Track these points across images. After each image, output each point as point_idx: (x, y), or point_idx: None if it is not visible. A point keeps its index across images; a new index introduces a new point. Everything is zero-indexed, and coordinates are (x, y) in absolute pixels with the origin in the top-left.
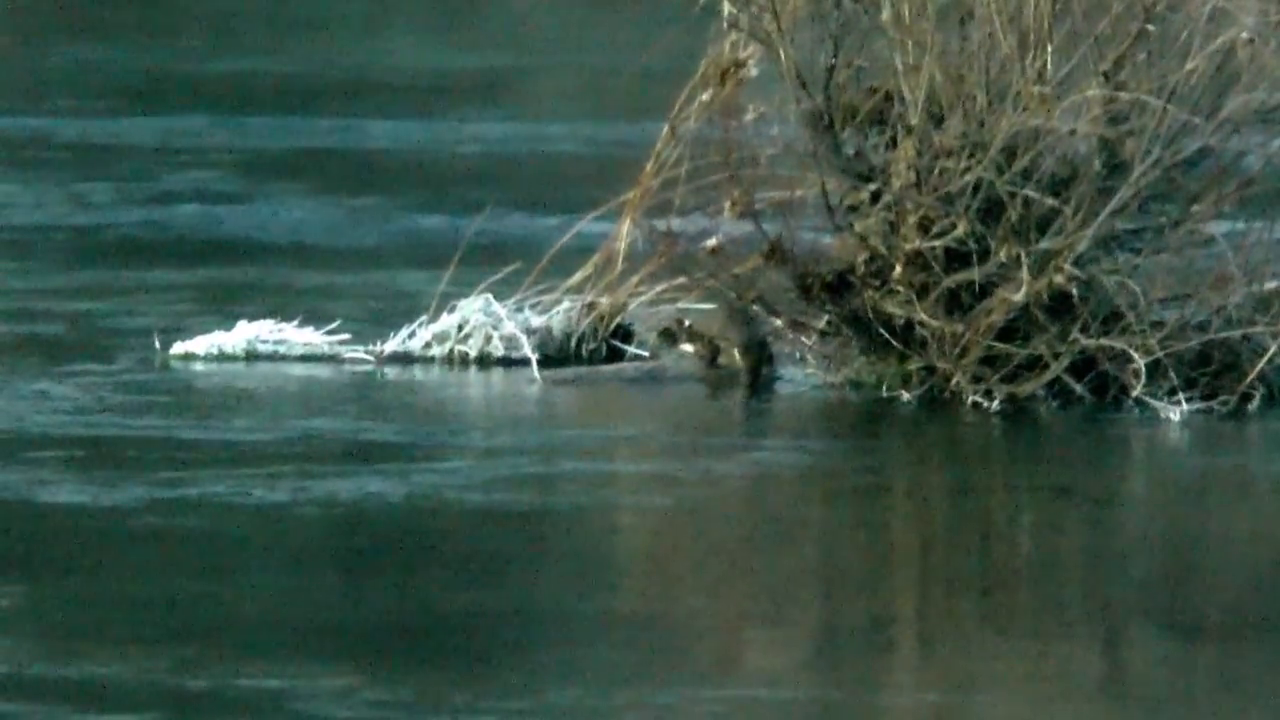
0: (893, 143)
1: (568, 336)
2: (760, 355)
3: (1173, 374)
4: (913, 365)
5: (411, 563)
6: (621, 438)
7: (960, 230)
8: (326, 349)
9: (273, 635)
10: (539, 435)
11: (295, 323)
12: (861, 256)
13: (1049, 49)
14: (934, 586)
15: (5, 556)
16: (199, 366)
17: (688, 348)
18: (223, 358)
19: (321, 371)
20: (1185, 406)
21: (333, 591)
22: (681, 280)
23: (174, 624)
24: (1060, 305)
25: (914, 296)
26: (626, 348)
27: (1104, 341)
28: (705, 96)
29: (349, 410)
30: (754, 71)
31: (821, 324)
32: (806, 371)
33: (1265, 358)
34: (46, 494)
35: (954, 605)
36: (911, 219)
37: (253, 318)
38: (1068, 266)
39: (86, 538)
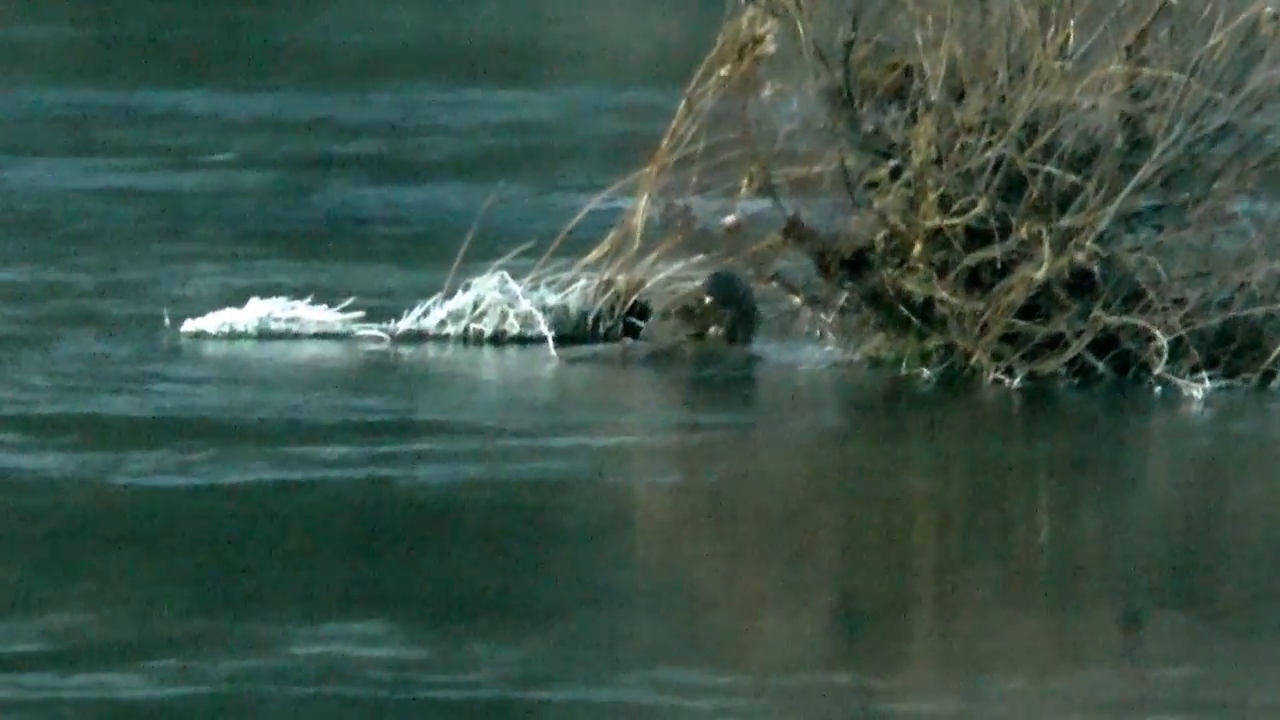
0: (913, 119)
1: (584, 314)
2: (734, 308)
3: (1194, 352)
4: (932, 343)
5: (423, 536)
6: (638, 415)
7: (981, 207)
8: (340, 327)
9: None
10: (556, 414)
11: (308, 300)
12: (881, 234)
13: (1070, 24)
14: (952, 566)
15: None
16: (210, 345)
17: (686, 326)
18: (234, 336)
19: (335, 350)
20: (1207, 384)
21: (361, 569)
22: (699, 258)
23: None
24: (1081, 283)
25: (934, 274)
26: (643, 325)
27: (1125, 319)
28: (723, 72)
29: (363, 389)
30: (772, 47)
31: (840, 302)
32: (825, 349)
33: None
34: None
35: (971, 584)
36: (931, 196)
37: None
38: (1089, 244)
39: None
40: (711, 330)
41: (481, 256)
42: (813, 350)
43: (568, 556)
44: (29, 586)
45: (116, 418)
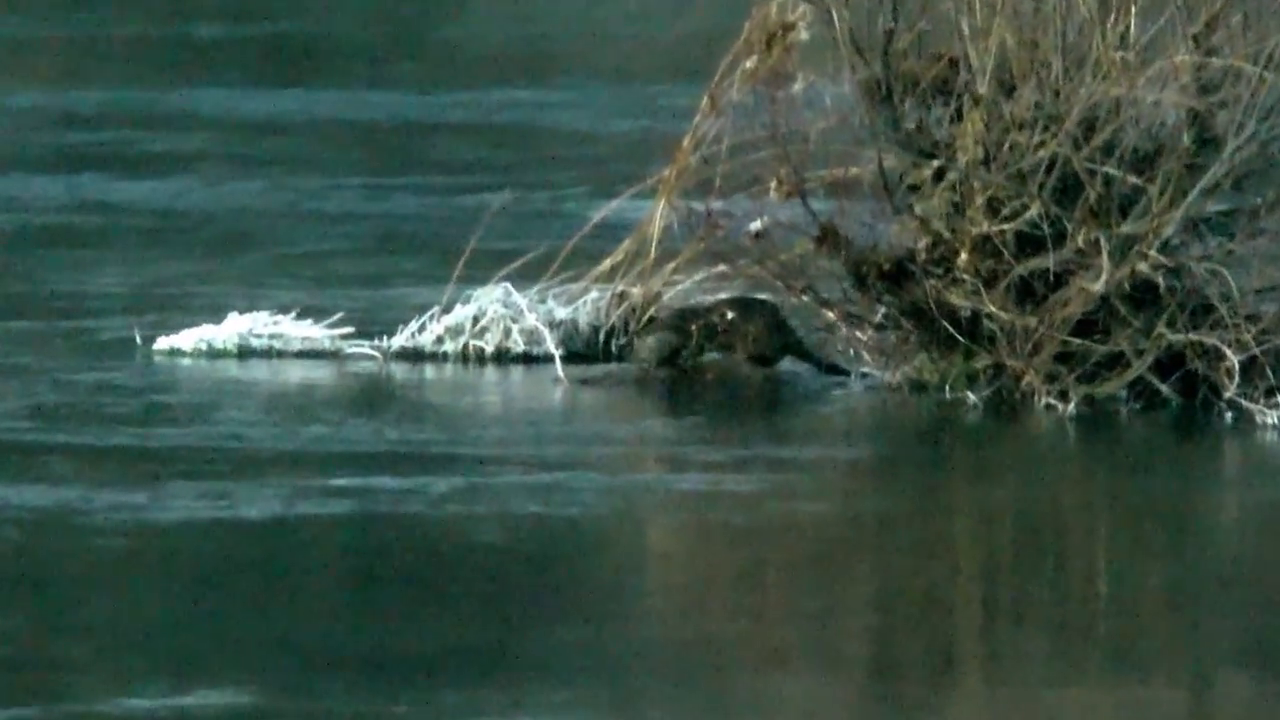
0: (958, 115)
1: (595, 330)
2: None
3: (1269, 372)
4: (979, 363)
5: (425, 584)
6: (653, 446)
7: (1033, 212)
8: (327, 344)
9: (281, 660)
10: (563, 442)
11: (292, 315)
12: (923, 241)
13: (1132, 10)
14: (1000, 618)
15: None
16: (186, 363)
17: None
18: (212, 354)
19: (321, 370)
20: None
21: (342, 615)
22: (722, 268)
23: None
24: (1144, 296)
25: (981, 286)
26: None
27: (1193, 336)
28: (749, 64)
29: (352, 414)
30: (804, 35)
31: (878, 317)
32: (861, 370)
33: None
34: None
35: (1022, 639)
36: (979, 200)
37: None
38: (1153, 253)
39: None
40: (738, 353)
41: (483, 266)
42: (847, 371)
43: (575, 604)
44: (164, 642)
45: (109, 448)
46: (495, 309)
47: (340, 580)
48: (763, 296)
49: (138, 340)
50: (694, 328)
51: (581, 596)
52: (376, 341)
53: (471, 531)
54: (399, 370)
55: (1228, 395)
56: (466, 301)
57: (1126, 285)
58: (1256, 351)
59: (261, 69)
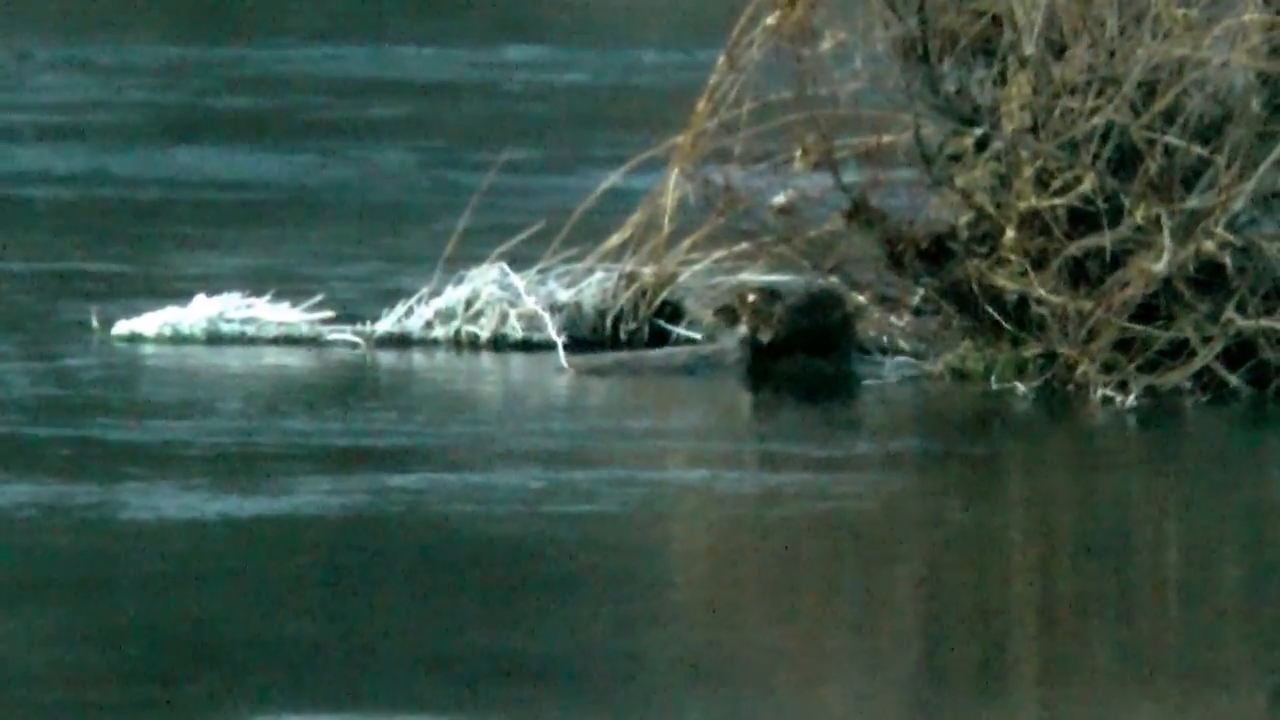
0: (1003, 77)
1: (602, 315)
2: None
3: None
4: (1029, 351)
5: (417, 592)
6: (668, 440)
7: (1086, 185)
8: (306, 329)
9: (264, 674)
10: (567, 436)
11: (267, 298)
12: (965, 217)
13: None
14: (1055, 626)
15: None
16: (148, 349)
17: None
18: (178, 339)
19: (299, 357)
20: None
21: (328, 624)
22: (743, 246)
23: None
24: (1211, 278)
25: (1029, 267)
26: (675, 329)
27: (1264, 323)
28: (771, 19)
29: (334, 406)
30: None
31: (916, 300)
32: (897, 359)
33: None
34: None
35: (1080, 646)
36: (1026, 171)
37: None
38: (1220, 230)
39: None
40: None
41: (477, 243)
42: (883, 360)
43: (585, 613)
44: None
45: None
46: (491, 291)
47: (353, 582)
48: (826, 284)
49: (94, 324)
50: (709, 314)
51: (605, 600)
52: (359, 327)
53: (467, 533)
54: (385, 358)
55: None
56: (459, 282)
57: (1191, 266)
58: None
59: (389, 25)
